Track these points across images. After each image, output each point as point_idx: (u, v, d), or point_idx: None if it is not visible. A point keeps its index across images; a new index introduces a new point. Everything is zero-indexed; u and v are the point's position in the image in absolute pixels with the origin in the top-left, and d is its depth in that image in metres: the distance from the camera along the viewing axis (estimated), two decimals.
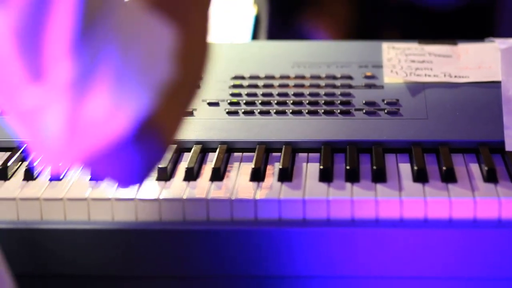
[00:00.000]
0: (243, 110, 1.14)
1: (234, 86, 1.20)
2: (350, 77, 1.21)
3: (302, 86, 1.20)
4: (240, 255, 0.98)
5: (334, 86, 1.19)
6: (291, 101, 1.16)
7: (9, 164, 1.05)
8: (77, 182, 1.02)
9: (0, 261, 0.86)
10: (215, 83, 1.21)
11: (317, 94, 1.17)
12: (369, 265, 0.97)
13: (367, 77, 1.22)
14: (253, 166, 1.02)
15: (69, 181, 1.02)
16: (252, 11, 1.48)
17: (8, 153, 1.08)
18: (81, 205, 0.99)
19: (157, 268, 0.99)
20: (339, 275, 0.99)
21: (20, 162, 1.08)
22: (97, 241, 0.99)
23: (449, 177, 1.00)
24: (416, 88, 1.18)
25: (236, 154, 1.08)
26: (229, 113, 1.14)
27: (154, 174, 1.02)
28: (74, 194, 1.00)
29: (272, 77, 1.22)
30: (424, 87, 1.19)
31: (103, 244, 0.99)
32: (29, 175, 1.03)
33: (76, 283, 1.01)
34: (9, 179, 1.03)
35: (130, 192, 0.99)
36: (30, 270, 1.00)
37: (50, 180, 1.02)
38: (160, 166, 1.02)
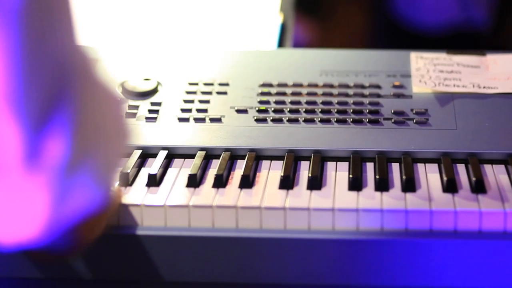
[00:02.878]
0: (271, 118, 1.14)
1: (262, 94, 1.20)
2: (378, 86, 1.21)
3: (331, 94, 1.19)
4: (269, 263, 0.98)
5: (362, 95, 1.19)
6: (320, 110, 1.16)
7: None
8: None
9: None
10: (243, 90, 1.21)
11: (345, 103, 1.17)
12: (397, 275, 0.97)
13: (395, 86, 1.21)
14: (282, 174, 1.02)
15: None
16: (278, 19, 1.47)
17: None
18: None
19: (169, 274, 0.99)
20: (362, 284, 0.98)
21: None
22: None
23: (478, 188, 1.00)
24: (444, 98, 1.18)
25: (264, 161, 1.08)
26: (257, 120, 1.14)
27: (184, 181, 1.03)
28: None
29: (300, 85, 1.22)
30: (453, 97, 1.18)
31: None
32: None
33: None
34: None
35: (159, 198, 0.99)
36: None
37: None
38: (189, 172, 1.02)
